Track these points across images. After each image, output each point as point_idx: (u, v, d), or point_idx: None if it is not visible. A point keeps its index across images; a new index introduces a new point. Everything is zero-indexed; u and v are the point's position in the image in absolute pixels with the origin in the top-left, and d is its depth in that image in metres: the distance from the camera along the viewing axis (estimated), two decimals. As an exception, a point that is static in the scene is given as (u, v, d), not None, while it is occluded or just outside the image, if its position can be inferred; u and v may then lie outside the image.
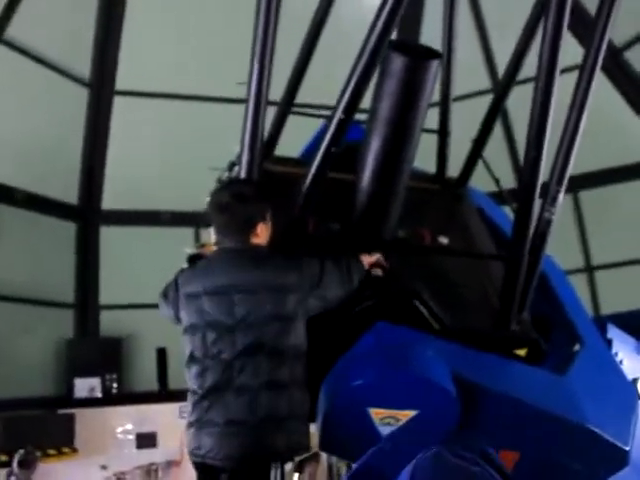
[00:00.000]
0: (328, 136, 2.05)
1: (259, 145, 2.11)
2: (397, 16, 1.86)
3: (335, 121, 2.02)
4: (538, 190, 2.16)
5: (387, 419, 1.96)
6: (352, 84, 1.95)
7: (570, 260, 8.00)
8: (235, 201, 2.29)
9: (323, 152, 2.07)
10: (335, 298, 2.22)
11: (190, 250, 2.63)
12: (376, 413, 1.95)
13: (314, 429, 2.15)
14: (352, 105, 1.98)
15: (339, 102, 2.00)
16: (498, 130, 7.90)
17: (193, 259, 2.49)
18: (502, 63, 3.32)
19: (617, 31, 7.48)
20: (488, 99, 3.38)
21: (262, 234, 2.31)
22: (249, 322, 2.16)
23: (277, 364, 2.11)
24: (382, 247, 2.35)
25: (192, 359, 2.26)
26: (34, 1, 7.01)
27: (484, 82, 8.13)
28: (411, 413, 1.95)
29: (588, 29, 2.38)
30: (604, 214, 8.19)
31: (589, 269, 8.24)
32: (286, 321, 2.15)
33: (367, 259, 2.34)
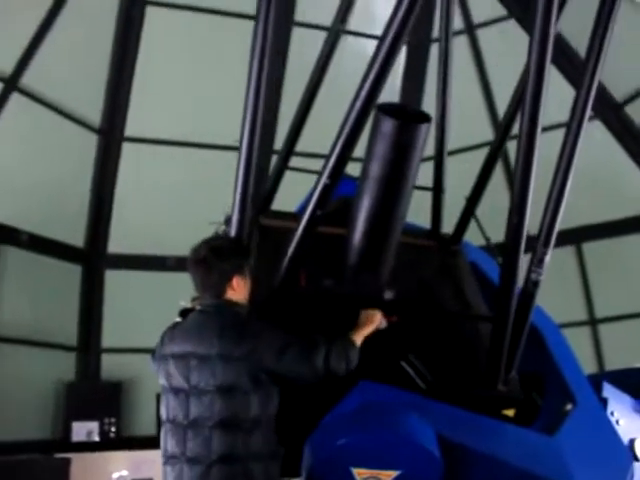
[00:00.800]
0: (313, 200, 2.10)
1: (249, 204, 2.16)
2: (382, 83, 1.92)
3: (320, 186, 2.06)
4: (521, 254, 2.18)
5: (370, 479, 1.96)
6: (337, 150, 2.01)
7: (573, 312, 7.97)
8: (212, 255, 2.31)
9: (308, 216, 2.11)
10: (298, 376, 2.12)
11: (184, 303, 2.66)
12: (359, 473, 1.94)
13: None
14: (337, 170, 2.03)
15: (324, 167, 2.05)
16: (501, 176, 7.98)
17: (185, 313, 2.52)
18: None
19: (619, 86, 7.66)
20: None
21: (239, 288, 2.30)
22: (201, 390, 2.15)
23: (230, 436, 2.07)
24: (371, 306, 2.37)
25: (160, 421, 2.30)
26: (48, 50, 7.24)
27: (488, 134, 8.24)
28: (394, 473, 1.94)
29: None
30: (607, 266, 8.18)
31: (592, 322, 8.18)
32: (238, 393, 2.11)
33: (369, 323, 2.30)
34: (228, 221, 2.89)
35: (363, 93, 1.92)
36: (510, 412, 2.39)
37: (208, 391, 2.13)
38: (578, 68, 7.04)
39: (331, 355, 2.12)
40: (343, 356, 2.14)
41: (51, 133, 7.63)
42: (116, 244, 8.41)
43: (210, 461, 2.09)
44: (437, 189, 3.15)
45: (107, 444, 7.80)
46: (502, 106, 7.96)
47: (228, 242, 2.41)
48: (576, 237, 7.88)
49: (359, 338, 2.27)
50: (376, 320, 2.32)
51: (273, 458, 2.12)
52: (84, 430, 7.77)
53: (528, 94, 1.95)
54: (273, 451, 2.12)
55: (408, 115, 2.26)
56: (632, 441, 2.92)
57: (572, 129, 2.24)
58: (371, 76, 1.90)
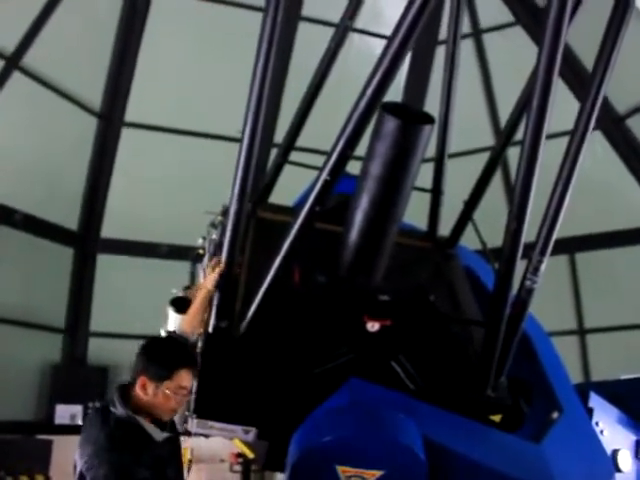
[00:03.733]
0: (312, 196, 2.09)
1: (248, 196, 2.14)
2: (388, 82, 1.91)
3: (320, 182, 2.06)
4: (518, 260, 2.19)
5: (354, 477, 1.95)
6: (339, 147, 2.00)
7: (563, 321, 8.00)
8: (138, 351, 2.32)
9: (307, 211, 2.10)
10: None
11: (176, 291, 2.65)
12: (343, 471, 1.94)
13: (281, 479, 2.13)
14: (338, 167, 2.03)
15: (325, 164, 2.04)
16: (499, 183, 7.99)
17: (175, 302, 2.51)
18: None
19: (621, 98, 7.67)
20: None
21: (145, 390, 2.19)
22: None
23: None
24: (366, 306, 2.37)
25: None
26: (52, 30, 7.19)
27: (488, 139, 8.25)
28: (378, 473, 1.94)
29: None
30: (600, 277, 8.20)
31: (581, 332, 8.21)
32: None
33: None
34: (225, 212, 2.89)
35: (369, 91, 1.91)
36: (497, 417, 2.39)
37: None
38: (582, 78, 7.07)
39: None
40: None
41: (50, 114, 7.59)
42: (110, 229, 8.37)
43: None
44: (436, 191, 3.15)
45: (90, 428, 7.78)
46: (504, 111, 8.01)
47: (158, 341, 2.37)
48: (570, 247, 7.90)
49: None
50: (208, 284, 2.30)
51: None
52: (68, 413, 7.75)
53: (535, 102, 1.95)
54: None
55: (412, 116, 2.25)
56: (615, 452, 2.93)
57: (575, 141, 2.24)
58: (378, 75, 1.89)
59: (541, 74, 1.93)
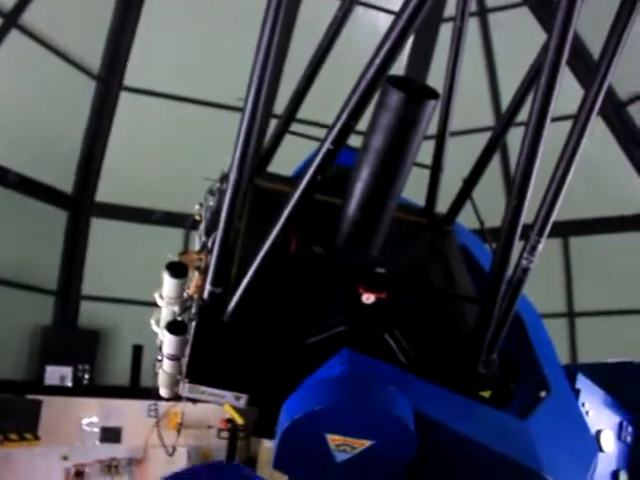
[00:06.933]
0: (314, 165, 2.08)
1: (248, 165, 2.13)
2: (396, 54, 1.89)
3: (323, 151, 2.04)
4: (517, 239, 2.19)
5: (343, 446, 1.97)
6: (344, 117, 1.98)
7: (553, 304, 8.07)
8: None
9: (308, 180, 2.09)
10: None
11: (172, 257, 2.64)
12: (333, 439, 1.96)
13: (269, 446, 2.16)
14: (341, 137, 2.01)
15: (329, 133, 2.02)
16: (497, 165, 8.00)
17: (171, 267, 2.51)
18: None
19: (624, 85, 7.64)
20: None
21: None
22: None
23: None
24: (362, 278, 2.37)
25: None
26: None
27: (488, 119, 8.23)
28: (367, 443, 1.96)
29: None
30: (592, 262, 8.27)
31: (571, 315, 8.29)
32: None
33: None
34: (223, 179, 2.87)
35: (376, 62, 1.90)
36: (486, 394, 2.42)
37: None
38: (586, 62, 7.03)
39: None
40: None
41: (48, 75, 7.51)
42: (104, 193, 8.35)
43: None
44: (435, 167, 3.14)
45: (79, 390, 7.86)
46: (505, 92, 7.96)
47: None
48: (564, 230, 7.94)
49: None
50: None
51: None
52: (57, 374, 7.81)
53: (542, 82, 1.94)
54: None
55: (416, 90, 2.24)
56: (599, 432, 2.99)
57: (578, 125, 2.23)
58: (386, 45, 1.87)
59: (551, 54, 1.91)
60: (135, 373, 7.87)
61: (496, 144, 3.08)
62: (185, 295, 2.58)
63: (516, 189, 2.12)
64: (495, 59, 8.31)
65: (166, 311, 2.69)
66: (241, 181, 2.15)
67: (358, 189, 2.41)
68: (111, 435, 7.78)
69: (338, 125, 2.01)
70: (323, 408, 1.94)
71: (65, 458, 7.36)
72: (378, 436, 1.96)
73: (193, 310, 2.40)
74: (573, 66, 7.12)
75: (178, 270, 2.58)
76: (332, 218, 2.60)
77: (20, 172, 7.49)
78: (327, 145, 2.03)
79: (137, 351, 7.86)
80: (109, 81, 7.92)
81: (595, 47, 6.64)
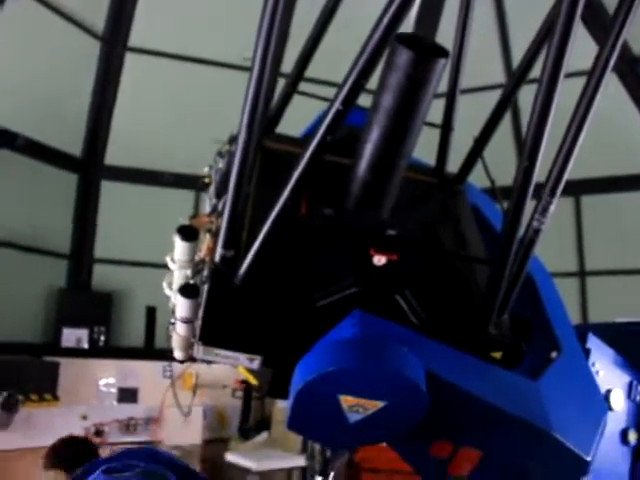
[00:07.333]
0: (324, 126, 2.05)
1: (257, 127, 2.10)
2: (405, 12, 1.84)
3: (333, 111, 2.01)
4: (528, 200, 2.16)
5: (356, 407, 2.00)
6: (353, 76, 1.94)
7: (564, 263, 8.06)
8: None
9: (317, 141, 2.06)
10: None
11: (182, 220, 2.64)
12: (345, 400, 1.98)
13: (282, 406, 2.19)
14: (351, 97, 1.98)
15: (338, 93, 1.99)
16: (508, 124, 7.89)
17: (182, 230, 2.51)
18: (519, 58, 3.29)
19: (638, 41, 7.45)
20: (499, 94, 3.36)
21: None
22: None
23: None
24: (373, 240, 2.36)
25: None
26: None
27: (499, 76, 8.08)
28: (380, 404, 1.98)
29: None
30: (604, 221, 8.21)
31: (582, 274, 8.28)
32: None
33: None
34: (232, 140, 2.84)
35: (385, 20, 1.85)
36: (497, 354, 2.43)
37: None
38: (599, 16, 6.85)
39: None
40: None
41: (53, 36, 7.42)
42: (113, 156, 8.34)
43: None
44: (446, 126, 3.08)
45: (95, 351, 7.99)
46: (516, 47, 7.79)
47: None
48: (576, 189, 7.87)
49: None
50: None
51: None
52: (73, 337, 7.94)
53: (555, 37, 1.88)
54: None
55: (425, 48, 2.18)
56: (608, 391, 3.01)
57: (592, 82, 2.17)
58: (394, 5, 1.82)
59: (565, 7, 1.85)
60: (149, 334, 7.99)
61: (508, 101, 3.02)
62: (197, 258, 2.59)
63: (528, 148, 2.08)
64: (506, 14, 8.12)
65: (178, 274, 2.70)
66: (250, 143, 2.12)
67: (368, 149, 2.38)
68: (128, 395, 7.95)
69: (347, 85, 1.97)
70: (335, 370, 1.96)
71: (84, 417, 7.54)
72: (390, 397, 1.98)
73: (205, 273, 2.41)
74: (587, 21, 6.94)
75: (189, 233, 2.58)
76: (342, 179, 2.58)
77: (29, 136, 7.48)
78: (336, 105, 1.99)
79: (151, 312, 7.95)
80: (114, 42, 7.83)
81: (610, 1, 6.46)
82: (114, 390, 7.95)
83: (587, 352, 3.05)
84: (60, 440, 3.56)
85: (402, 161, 2.41)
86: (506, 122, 7.60)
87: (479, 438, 2.26)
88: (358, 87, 1.96)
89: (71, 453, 3.46)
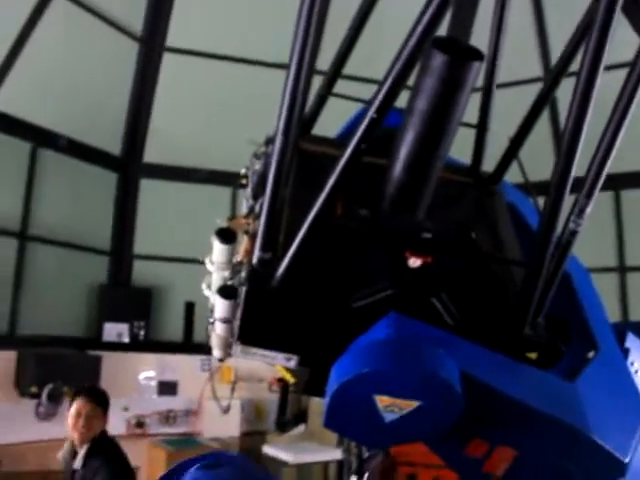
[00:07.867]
0: (358, 133, 2.07)
1: (294, 129, 2.12)
2: (439, 19, 1.85)
3: (367, 119, 2.03)
4: (565, 201, 2.15)
5: (391, 407, 2.02)
6: (387, 84, 1.96)
7: (603, 258, 7.91)
8: None
9: (352, 149, 2.09)
10: None
11: (220, 222, 2.70)
12: (381, 400, 2.01)
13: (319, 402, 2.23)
14: (386, 105, 1.99)
15: (373, 100, 2.00)
16: (545, 116, 7.75)
17: (220, 233, 2.56)
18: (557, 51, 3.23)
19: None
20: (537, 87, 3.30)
21: None
22: None
23: None
24: (409, 242, 2.37)
25: None
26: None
27: (536, 69, 7.96)
28: (415, 404, 2.01)
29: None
30: (644, 216, 8.04)
31: (622, 269, 8.12)
32: None
33: None
34: (269, 142, 2.89)
35: (418, 30, 1.86)
36: (533, 355, 2.43)
37: None
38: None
39: None
40: None
41: (92, 39, 7.58)
42: (152, 154, 8.49)
43: None
44: (481, 126, 3.07)
45: (136, 345, 8.18)
46: (555, 40, 7.65)
47: None
48: (616, 183, 7.71)
49: None
50: None
51: None
52: (114, 331, 8.13)
53: (596, 27, 1.85)
54: None
55: (460, 51, 2.19)
56: (648, 391, 2.97)
57: (633, 74, 2.12)
58: (429, 11, 1.83)
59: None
60: (188, 329, 8.13)
61: (546, 99, 2.99)
62: (235, 260, 2.64)
63: (565, 148, 2.05)
64: (544, 7, 7.98)
65: (216, 276, 2.76)
66: (287, 147, 2.15)
67: (403, 152, 2.40)
68: (167, 388, 8.13)
69: (382, 93, 1.98)
70: (371, 371, 1.99)
71: (126, 409, 7.74)
72: (425, 397, 2.00)
73: (243, 275, 2.46)
74: (628, 11, 6.79)
75: (227, 236, 2.63)
76: (378, 180, 2.60)
77: (70, 137, 7.67)
78: (371, 114, 2.01)
79: (189, 308, 8.10)
80: (152, 42, 7.96)
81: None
82: (154, 383, 8.13)
83: (626, 351, 3.01)
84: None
85: (437, 163, 2.42)
86: (544, 114, 7.49)
87: (515, 438, 2.27)
88: (393, 95, 1.97)
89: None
